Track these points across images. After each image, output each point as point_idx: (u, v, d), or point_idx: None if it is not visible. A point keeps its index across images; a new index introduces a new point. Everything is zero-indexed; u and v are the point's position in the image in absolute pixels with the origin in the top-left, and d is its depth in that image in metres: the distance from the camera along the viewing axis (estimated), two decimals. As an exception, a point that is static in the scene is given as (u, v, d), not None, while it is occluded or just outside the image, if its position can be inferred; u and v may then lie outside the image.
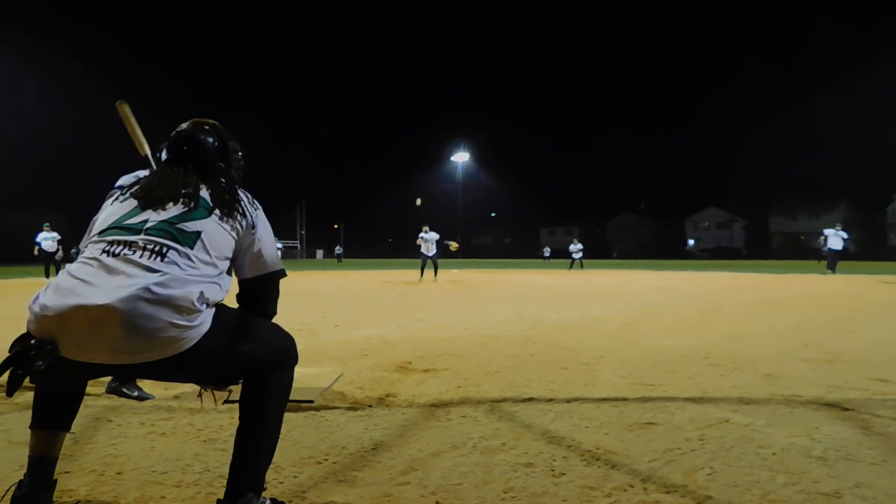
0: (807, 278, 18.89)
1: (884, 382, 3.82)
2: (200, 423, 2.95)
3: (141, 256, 1.72)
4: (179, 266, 1.74)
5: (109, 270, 1.69)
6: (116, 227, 1.84)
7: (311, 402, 3.35)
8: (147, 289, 1.63)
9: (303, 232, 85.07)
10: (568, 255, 30.53)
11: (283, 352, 1.97)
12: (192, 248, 1.80)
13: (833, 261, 20.74)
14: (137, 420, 3.00)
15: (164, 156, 2.13)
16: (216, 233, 1.88)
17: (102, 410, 3.15)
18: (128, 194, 1.95)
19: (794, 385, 3.75)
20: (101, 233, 1.84)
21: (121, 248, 1.75)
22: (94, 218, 1.96)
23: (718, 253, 74.61)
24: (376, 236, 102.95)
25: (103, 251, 1.75)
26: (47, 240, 18.36)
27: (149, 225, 1.82)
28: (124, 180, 2.52)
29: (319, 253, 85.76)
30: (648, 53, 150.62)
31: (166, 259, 1.73)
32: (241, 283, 2.05)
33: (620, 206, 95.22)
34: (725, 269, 29.32)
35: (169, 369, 1.73)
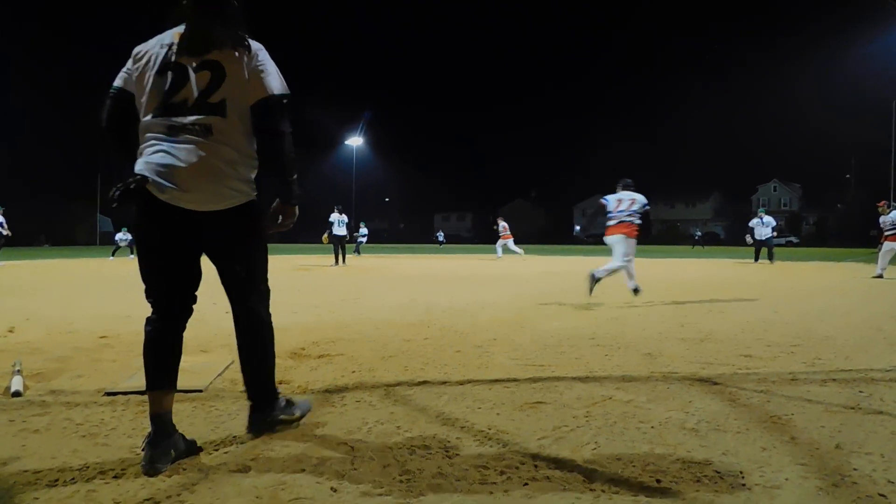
0: (684, 263, 20.13)
1: (748, 358, 4.15)
2: (79, 417, 2.77)
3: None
4: None
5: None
6: None
7: (201, 390, 3.23)
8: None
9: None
10: (460, 240, 31.15)
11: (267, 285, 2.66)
12: None
13: (769, 249, 18.66)
14: (6, 417, 2.77)
15: None
16: None
17: (-38, 407, 2.89)
18: None
19: (672, 363, 4.00)
20: None
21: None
22: None
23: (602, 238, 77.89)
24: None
25: None
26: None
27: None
28: None
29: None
30: (538, 55, 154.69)
31: None
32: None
33: (512, 192, 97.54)
34: (610, 254, 30.64)
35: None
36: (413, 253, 29.11)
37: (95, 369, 3.78)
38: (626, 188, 8.10)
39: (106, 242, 61.75)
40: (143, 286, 2.36)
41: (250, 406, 2.53)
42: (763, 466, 2.20)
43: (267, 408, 2.53)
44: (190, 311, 2.44)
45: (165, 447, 2.22)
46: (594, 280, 7.96)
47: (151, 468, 2.14)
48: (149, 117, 2.31)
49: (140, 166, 2.28)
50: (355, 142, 55.04)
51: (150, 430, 2.26)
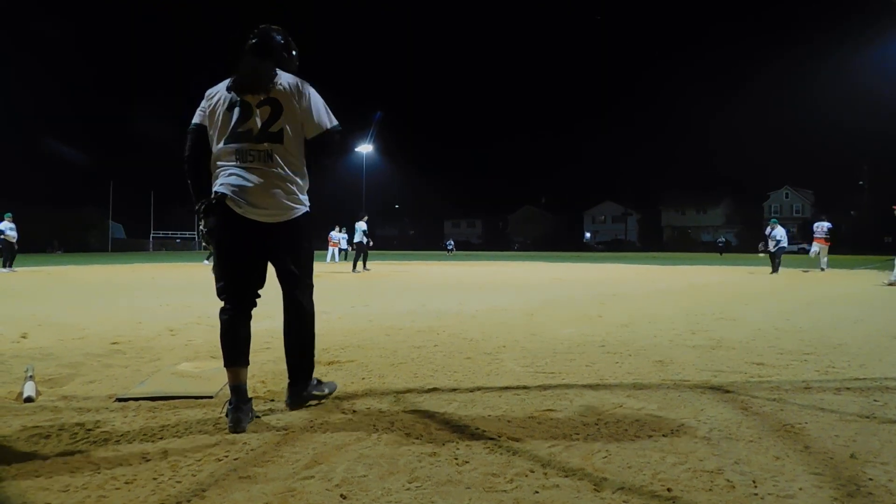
0: (693, 269, 20.02)
1: (760, 366, 4.12)
2: (91, 422, 2.78)
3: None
4: None
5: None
6: None
7: (211, 396, 3.24)
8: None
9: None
10: (470, 247, 31.31)
11: (312, 281, 3.10)
12: None
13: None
14: (18, 422, 2.79)
15: None
16: None
17: (-25, 412, 2.91)
18: None
19: (683, 370, 3.97)
20: None
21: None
22: None
23: (614, 245, 77.64)
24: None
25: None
26: (11, 230, 18.31)
27: None
28: None
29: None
30: (547, 61, 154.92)
31: None
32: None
33: (522, 199, 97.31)
34: (621, 260, 30.63)
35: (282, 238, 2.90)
36: (423, 260, 29.13)
37: (107, 375, 3.80)
38: (818, 220, 17.71)
39: (118, 249, 62.17)
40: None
41: (289, 383, 3.04)
42: (776, 475, 2.18)
43: (302, 384, 3.03)
44: (254, 304, 2.98)
45: (246, 410, 2.74)
46: (822, 269, 16.19)
47: (238, 427, 2.66)
48: (220, 145, 2.84)
49: (218, 186, 2.81)
50: (365, 148, 55.25)
51: (231, 398, 2.75)
